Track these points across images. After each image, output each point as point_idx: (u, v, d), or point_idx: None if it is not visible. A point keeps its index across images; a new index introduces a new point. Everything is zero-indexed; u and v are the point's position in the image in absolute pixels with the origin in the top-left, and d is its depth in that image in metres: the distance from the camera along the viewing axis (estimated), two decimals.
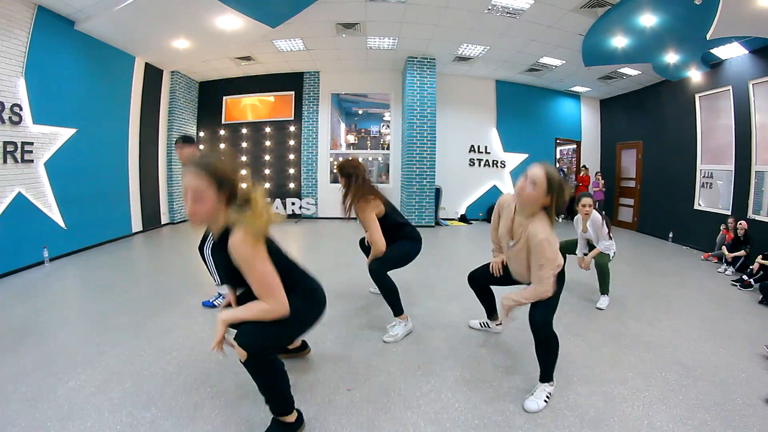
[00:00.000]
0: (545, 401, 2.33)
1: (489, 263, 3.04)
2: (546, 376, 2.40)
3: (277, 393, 1.93)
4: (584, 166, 10.61)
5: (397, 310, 3.23)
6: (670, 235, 8.24)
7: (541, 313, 2.33)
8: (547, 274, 2.25)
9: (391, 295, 3.20)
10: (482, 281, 3.15)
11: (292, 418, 2.00)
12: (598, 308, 4.01)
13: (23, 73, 5.00)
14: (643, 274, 5.52)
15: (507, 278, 2.85)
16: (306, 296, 1.97)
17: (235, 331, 1.88)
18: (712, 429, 2.15)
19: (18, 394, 2.31)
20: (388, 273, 3.23)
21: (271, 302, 1.74)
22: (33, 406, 2.20)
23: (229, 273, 1.81)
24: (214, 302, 3.76)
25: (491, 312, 3.29)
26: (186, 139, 4.01)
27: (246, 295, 1.92)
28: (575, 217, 4.40)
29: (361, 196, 3.25)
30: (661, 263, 6.36)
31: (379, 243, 3.20)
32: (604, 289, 4.14)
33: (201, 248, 3.68)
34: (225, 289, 3.25)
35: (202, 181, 1.67)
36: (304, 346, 2.83)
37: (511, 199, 2.57)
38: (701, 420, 2.22)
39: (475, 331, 3.38)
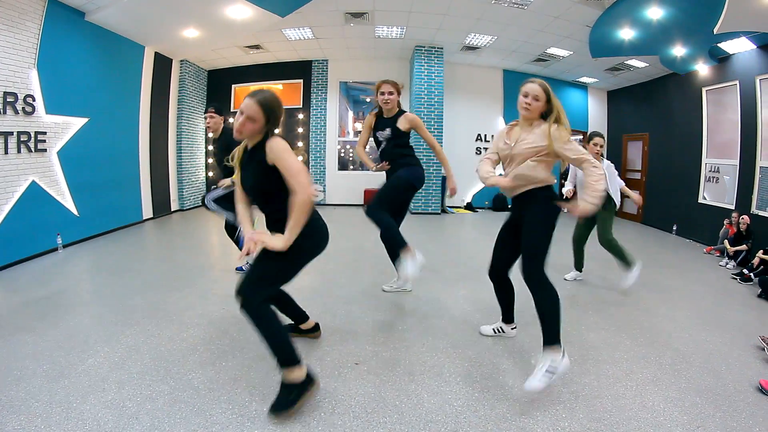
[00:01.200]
0: (548, 373, 2.21)
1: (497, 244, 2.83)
2: (550, 338, 2.31)
3: (277, 342, 2.10)
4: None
5: (400, 244, 3.10)
6: (674, 227, 8.27)
7: (529, 264, 2.44)
8: (590, 159, 2.37)
9: (389, 232, 3.20)
10: (499, 265, 2.79)
11: (299, 374, 2.11)
12: (622, 288, 4.15)
13: (35, 64, 5.09)
14: (645, 265, 5.52)
15: (517, 245, 2.61)
16: (306, 231, 2.06)
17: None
18: (702, 411, 2.24)
19: (40, 371, 2.43)
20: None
21: (302, 189, 1.97)
22: (55, 382, 2.31)
23: (257, 180, 2.13)
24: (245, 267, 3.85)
25: (508, 313, 3.02)
26: (218, 109, 4.13)
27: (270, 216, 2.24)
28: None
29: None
30: (664, 255, 6.43)
31: (435, 145, 3.61)
32: (625, 263, 4.16)
33: (204, 201, 3.95)
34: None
35: (258, 109, 2.04)
36: (316, 327, 2.95)
37: (506, 129, 2.67)
38: (692, 402, 2.31)
39: (479, 313, 3.45)
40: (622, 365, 2.71)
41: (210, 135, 4.12)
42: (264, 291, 2.14)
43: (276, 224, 2.17)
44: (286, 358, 2.09)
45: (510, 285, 2.88)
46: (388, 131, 3.50)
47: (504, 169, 2.65)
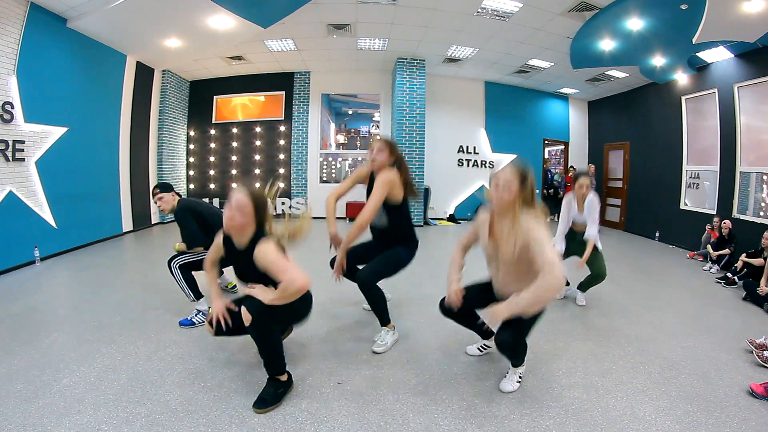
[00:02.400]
0: (518, 382, 2.52)
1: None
2: (517, 362, 2.55)
3: (273, 356, 2.29)
4: (572, 167, 10.74)
5: (385, 320, 3.06)
6: (657, 234, 8.38)
7: (509, 335, 2.27)
8: (555, 259, 1.99)
9: (379, 305, 3.02)
10: (458, 309, 2.60)
11: (284, 377, 2.36)
12: (579, 305, 4.10)
13: (15, 70, 4.97)
14: (629, 272, 5.62)
15: (488, 299, 2.49)
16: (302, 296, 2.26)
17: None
18: (694, 419, 2.22)
19: (14, 391, 2.32)
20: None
21: (287, 276, 2.10)
22: (29, 403, 2.21)
23: (256, 275, 2.23)
24: (193, 319, 3.38)
25: (485, 333, 2.89)
26: (163, 188, 3.56)
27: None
28: (565, 199, 4.14)
29: (392, 166, 3.02)
30: (647, 261, 6.49)
31: (369, 213, 2.84)
32: (586, 287, 4.15)
33: (170, 264, 3.44)
34: (203, 305, 3.40)
35: (249, 204, 2.19)
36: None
37: (484, 216, 2.49)
38: (684, 410, 2.30)
39: (461, 330, 3.07)
40: (611, 376, 2.68)
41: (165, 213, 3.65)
42: (270, 320, 2.25)
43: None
44: (280, 368, 2.33)
45: (471, 312, 2.76)
46: None
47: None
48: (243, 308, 2.19)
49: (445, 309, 2.68)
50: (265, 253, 2.14)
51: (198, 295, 3.42)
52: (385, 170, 2.96)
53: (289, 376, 2.40)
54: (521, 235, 2.17)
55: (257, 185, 8.10)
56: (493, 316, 2.11)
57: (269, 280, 2.21)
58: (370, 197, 2.90)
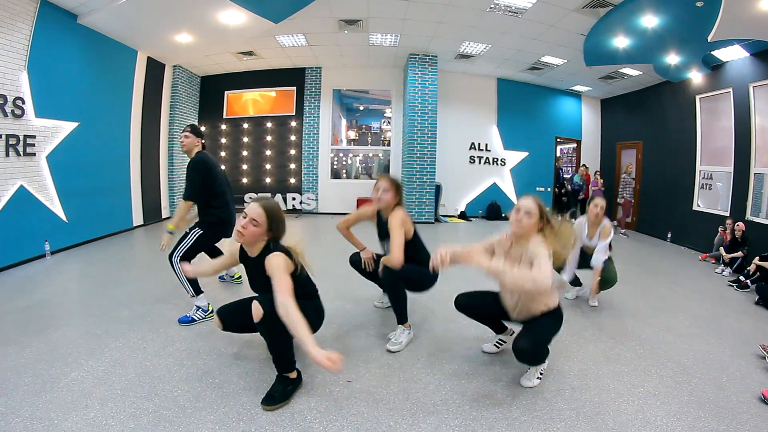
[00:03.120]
0: (538, 378, 2.55)
1: (479, 291, 2.81)
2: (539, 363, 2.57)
3: (283, 352, 2.30)
4: (584, 165, 10.65)
5: (403, 318, 3.07)
6: (669, 235, 8.27)
7: (529, 342, 2.35)
8: (548, 270, 2.09)
9: (401, 302, 3.06)
10: (475, 311, 2.84)
11: (293, 375, 2.36)
12: (592, 306, 4.06)
13: (26, 66, 5.01)
14: (641, 273, 5.56)
15: (501, 313, 2.70)
16: (315, 306, 2.48)
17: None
18: (705, 425, 2.18)
19: (21, 384, 2.34)
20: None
21: (282, 297, 2.07)
22: (37, 396, 2.22)
23: (261, 281, 2.27)
24: (193, 316, 3.36)
25: (499, 328, 2.93)
26: (194, 129, 3.63)
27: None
28: (577, 221, 4.05)
29: (399, 204, 3.12)
30: (659, 263, 6.41)
31: (399, 251, 2.88)
32: (598, 290, 4.07)
33: (170, 259, 3.40)
34: (202, 301, 3.40)
35: (262, 213, 2.24)
36: None
37: (504, 238, 2.58)
38: (695, 416, 2.26)
39: (474, 327, 3.20)
40: (623, 379, 2.64)
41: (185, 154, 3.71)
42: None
43: None
44: (289, 365, 2.34)
45: (482, 313, 2.86)
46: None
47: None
48: (255, 303, 2.19)
49: (460, 305, 2.80)
50: (274, 265, 2.17)
51: (198, 291, 3.38)
52: (395, 212, 3.05)
53: (299, 373, 2.41)
54: (528, 255, 2.31)
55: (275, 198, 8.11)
56: (481, 265, 2.19)
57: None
58: (392, 242, 2.94)
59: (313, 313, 2.41)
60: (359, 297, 3.99)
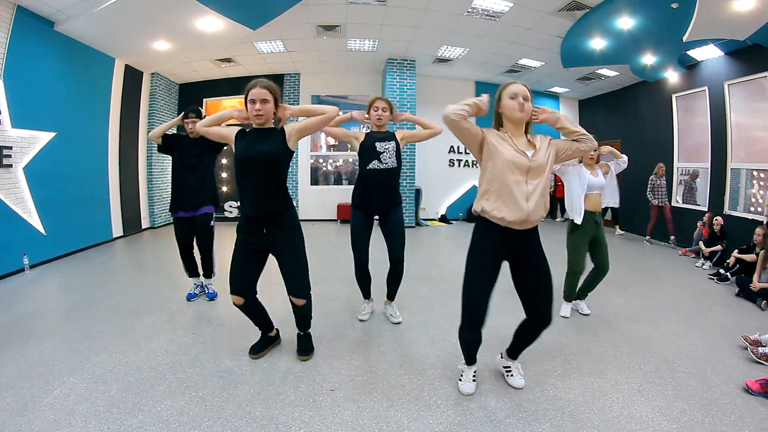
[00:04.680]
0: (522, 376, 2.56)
1: (481, 293, 2.29)
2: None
3: (311, 316, 2.91)
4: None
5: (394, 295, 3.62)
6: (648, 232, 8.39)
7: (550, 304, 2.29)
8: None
9: (400, 281, 3.54)
10: (485, 303, 2.30)
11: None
12: (584, 314, 3.84)
13: (1, 75, 4.90)
14: (622, 271, 5.62)
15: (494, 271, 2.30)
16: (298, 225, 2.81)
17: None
18: (691, 418, 2.22)
19: (3, 405, 2.27)
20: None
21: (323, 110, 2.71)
22: (19, 416, 2.16)
23: (273, 149, 2.56)
24: (197, 292, 4.15)
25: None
26: (198, 114, 3.93)
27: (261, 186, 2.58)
28: (574, 166, 3.68)
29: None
30: (640, 260, 6.51)
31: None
32: (587, 291, 3.86)
33: (189, 244, 4.00)
34: (200, 280, 4.13)
35: (269, 92, 2.55)
36: (278, 334, 3.13)
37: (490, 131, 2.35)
38: (680, 409, 2.29)
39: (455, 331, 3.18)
40: (607, 376, 2.67)
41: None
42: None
43: (275, 216, 2.60)
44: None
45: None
46: (392, 144, 3.35)
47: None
48: (295, 298, 2.76)
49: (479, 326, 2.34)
50: (293, 124, 2.65)
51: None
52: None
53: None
54: (547, 144, 2.32)
55: None
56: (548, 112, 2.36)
57: (275, 172, 2.58)
58: (420, 131, 3.70)
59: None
60: (341, 302, 4.00)
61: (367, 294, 3.67)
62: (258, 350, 2.90)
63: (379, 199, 3.28)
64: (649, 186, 7.91)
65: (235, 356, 2.88)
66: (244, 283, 2.67)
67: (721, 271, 5.22)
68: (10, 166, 5.09)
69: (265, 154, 2.51)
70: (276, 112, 2.62)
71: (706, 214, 6.66)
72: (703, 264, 5.99)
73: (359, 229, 3.37)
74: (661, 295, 4.57)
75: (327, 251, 6.64)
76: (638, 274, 5.45)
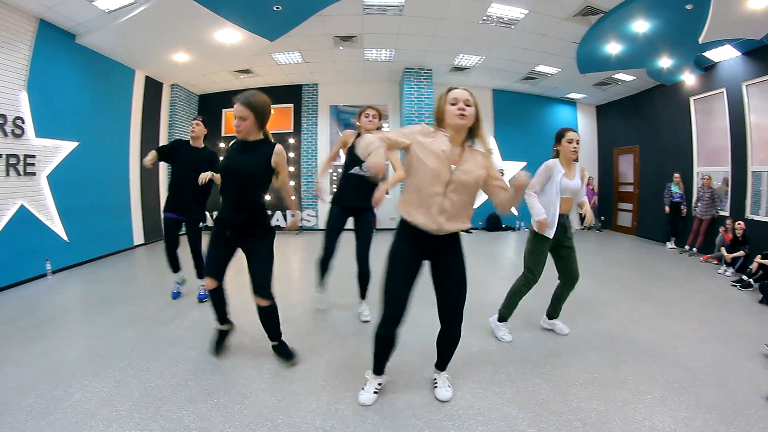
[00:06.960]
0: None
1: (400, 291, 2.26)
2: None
3: (278, 322, 2.93)
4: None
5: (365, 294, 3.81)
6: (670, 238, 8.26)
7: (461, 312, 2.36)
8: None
9: (369, 280, 3.74)
10: (405, 301, 2.27)
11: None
12: (563, 335, 3.51)
13: (26, 86, 5.05)
14: (643, 278, 5.55)
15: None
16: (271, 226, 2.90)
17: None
18: (714, 429, 2.17)
19: (25, 405, 2.32)
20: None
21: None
22: (41, 418, 2.20)
23: (258, 165, 2.67)
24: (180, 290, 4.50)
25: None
26: (206, 121, 4.21)
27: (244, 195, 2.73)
28: (549, 163, 3.26)
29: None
30: (661, 266, 6.40)
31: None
32: (559, 304, 3.51)
33: (174, 243, 4.39)
34: (179, 276, 4.50)
35: (245, 110, 2.61)
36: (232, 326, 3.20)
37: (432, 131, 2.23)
38: (703, 420, 2.25)
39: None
40: (629, 386, 2.63)
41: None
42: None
43: (247, 224, 2.73)
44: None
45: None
46: None
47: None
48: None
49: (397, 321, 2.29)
50: (283, 153, 2.75)
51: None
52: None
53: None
54: (482, 163, 2.23)
55: None
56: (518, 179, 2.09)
57: (257, 186, 2.72)
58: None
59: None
60: (348, 314, 4.00)
61: (321, 282, 3.90)
62: (219, 349, 3.07)
63: (355, 201, 3.58)
64: (695, 197, 7.53)
65: (255, 364, 2.90)
66: (218, 266, 2.82)
67: (744, 277, 5.11)
68: (34, 174, 5.24)
69: (246, 168, 2.65)
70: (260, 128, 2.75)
71: (728, 219, 6.53)
72: (725, 270, 5.88)
73: (334, 219, 3.67)
74: (683, 303, 4.49)
75: (343, 261, 6.63)
76: (659, 282, 5.36)
